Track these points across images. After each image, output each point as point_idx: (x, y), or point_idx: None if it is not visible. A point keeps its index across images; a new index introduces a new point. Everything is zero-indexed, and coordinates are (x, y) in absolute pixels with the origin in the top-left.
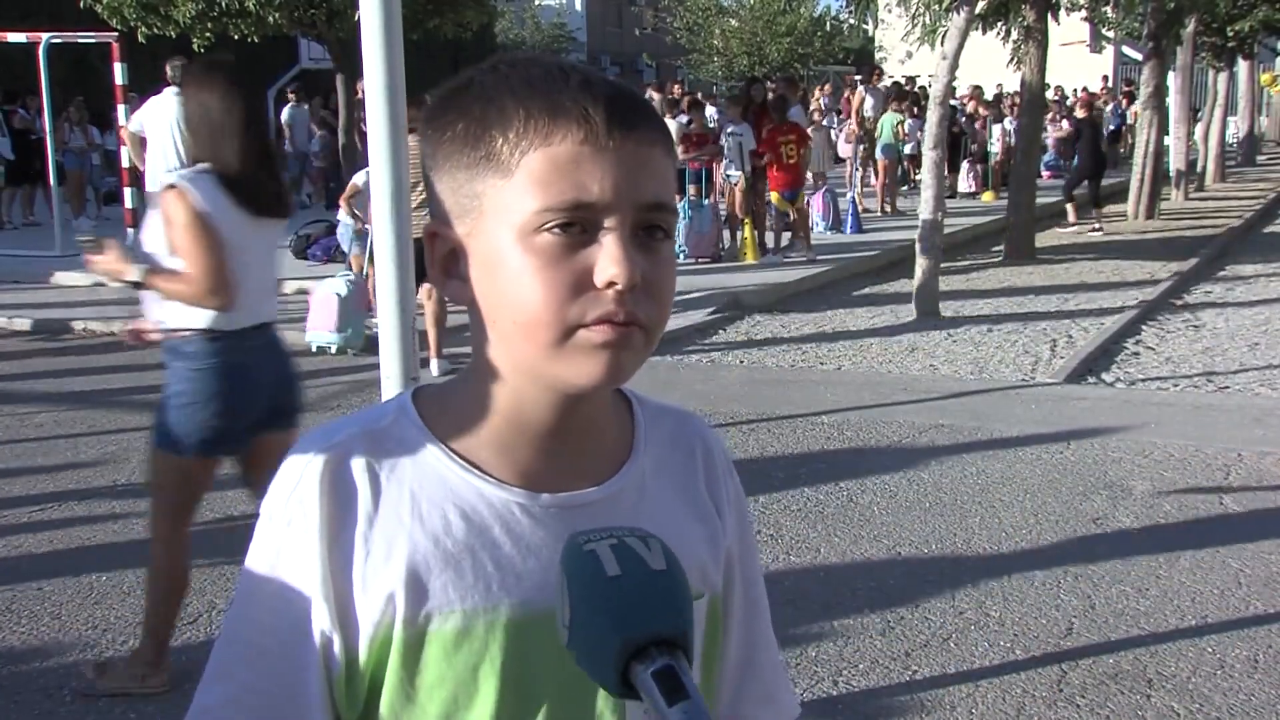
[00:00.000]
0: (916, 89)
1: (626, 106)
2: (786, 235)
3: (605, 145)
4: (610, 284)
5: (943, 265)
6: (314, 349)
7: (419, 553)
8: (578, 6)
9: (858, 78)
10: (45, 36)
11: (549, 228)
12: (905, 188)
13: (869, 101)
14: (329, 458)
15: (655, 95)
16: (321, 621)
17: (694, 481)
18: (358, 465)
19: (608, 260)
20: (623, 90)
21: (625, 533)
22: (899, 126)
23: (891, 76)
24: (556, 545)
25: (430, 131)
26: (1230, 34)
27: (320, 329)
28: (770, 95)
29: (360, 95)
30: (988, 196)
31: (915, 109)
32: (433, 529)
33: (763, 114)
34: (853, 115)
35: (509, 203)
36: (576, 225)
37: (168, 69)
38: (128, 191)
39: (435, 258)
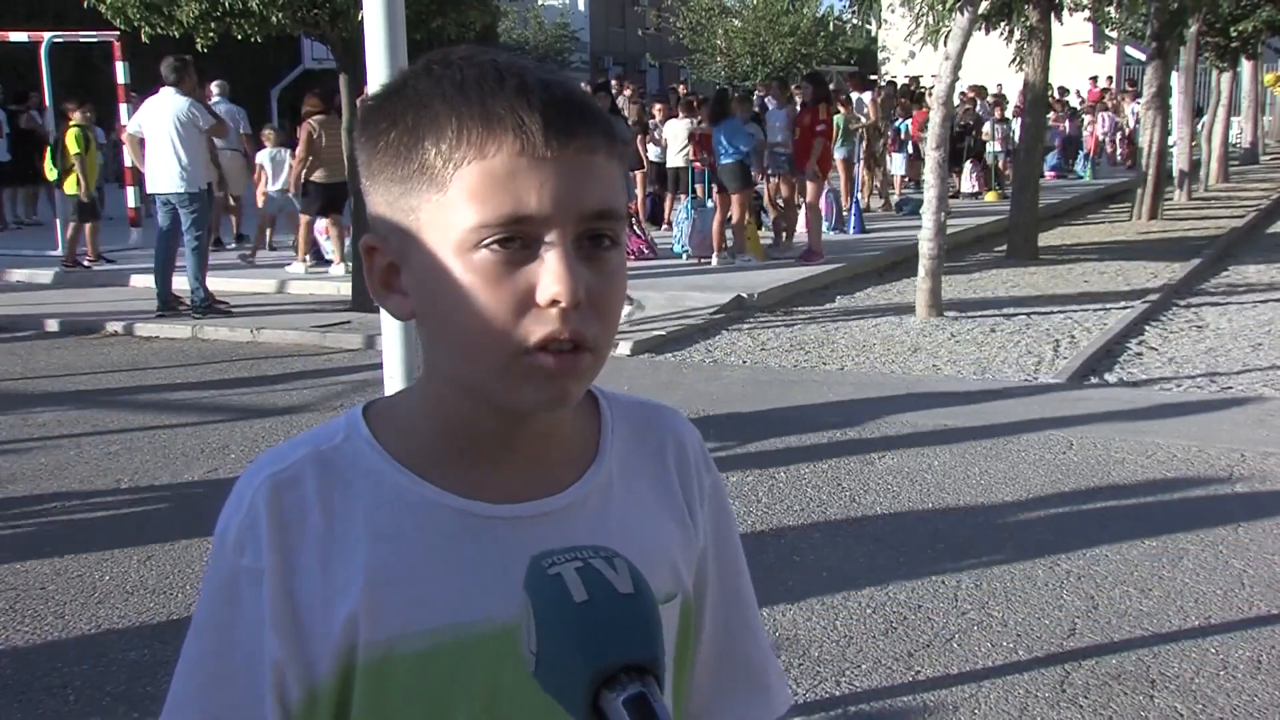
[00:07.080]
0: (917, 89)
1: (565, 112)
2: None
3: (543, 155)
4: (553, 302)
5: (946, 265)
6: None
7: (378, 574)
8: (580, 7)
9: (872, 78)
10: (48, 36)
11: (487, 244)
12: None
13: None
14: (279, 482)
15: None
16: (274, 651)
17: (666, 479)
18: (310, 488)
19: (550, 277)
20: (561, 94)
21: (590, 553)
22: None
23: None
24: (520, 557)
25: (364, 139)
26: (1234, 34)
27: None
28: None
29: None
30: (991, 196)
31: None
32: (391, 549)
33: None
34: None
35: (445, 218)
36: (516, 240)
37: (162, 68)
38: (130, 191)
39: (374, 272)
